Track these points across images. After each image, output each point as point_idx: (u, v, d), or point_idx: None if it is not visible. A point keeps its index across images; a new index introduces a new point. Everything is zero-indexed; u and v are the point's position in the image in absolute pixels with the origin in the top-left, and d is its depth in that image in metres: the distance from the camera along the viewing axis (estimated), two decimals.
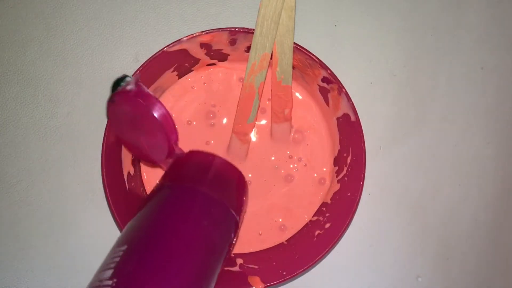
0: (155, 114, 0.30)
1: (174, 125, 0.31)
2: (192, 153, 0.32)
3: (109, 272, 0.23)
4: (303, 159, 0.38)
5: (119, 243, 0.25)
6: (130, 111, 0.31)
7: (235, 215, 0.30)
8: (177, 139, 0.31)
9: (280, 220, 0.37)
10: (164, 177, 0.31)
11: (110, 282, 0.22)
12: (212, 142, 0.38)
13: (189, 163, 0.31)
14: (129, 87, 0.30)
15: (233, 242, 0.30)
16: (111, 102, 0.31)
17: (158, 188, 0.30)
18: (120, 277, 0.22)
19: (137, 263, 0.23)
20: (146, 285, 0.22)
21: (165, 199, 0.28)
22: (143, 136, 0.32)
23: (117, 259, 0.23)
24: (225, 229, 0.29)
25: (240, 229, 0.37)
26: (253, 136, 0.38)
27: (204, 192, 0.29)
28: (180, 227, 0.26)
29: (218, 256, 0.28)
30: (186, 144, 0.37)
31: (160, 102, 0.30)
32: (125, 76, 0.31)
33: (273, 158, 0.38)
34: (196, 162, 0.31)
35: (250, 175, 0.38)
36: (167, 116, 0.30)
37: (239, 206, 0.31)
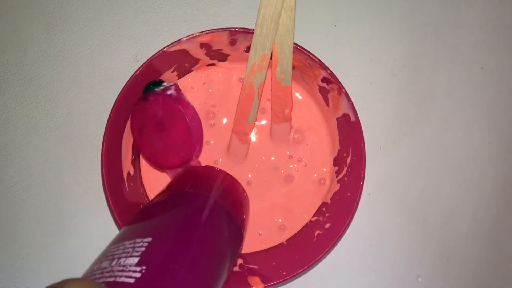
0: (190, 123, 0.31)
1: (202, 137, 0.32)
2: (208, 168, 0.34)
3: (134, 260, 0.23)
4: (303, 159, 0.38)
5: (139, 234, 0.26)
6: (161, 114, 0.32)
7: (242, 231, 0.31)
8: (200, 151, 0.32)
9: (280, 220, 0.37)
10: (185, 183, 0.32)
11: (138, 269, 0.22)
12: (212, 142, 0.38)
13: (208, 177, 0.33)
14: (169, 92, 0.31)
15: (238, 255, 0.32)
16: (143, 100, 0.32)
17: (179, 193, 0.31)
18: (149, 266, 0.23)
19: (167, 256, 0.24)
20: (177, 277, 0.23)
21: (192, 204, 0.29)
22: (164, 140, 0.32)
23: (143, 249, 0.24)
24: (237, 242, 0.31)
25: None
26: (253, 136, 0.38)
27: (224, 206, 0.30)
28: (207, 232, 0.27)
29: (229, 264, 0.29)
30: None
31: (197, 113, 0.31)
32: (161, 81, 0.32)
33: (273, 158, 0.38)
34: (214, 177, 0.33)
35: (250, 175, 0.38)
36: (199, 127, 0.32)
37: (245, 222, 0.32)
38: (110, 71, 0.39)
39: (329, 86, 0.35)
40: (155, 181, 0.37)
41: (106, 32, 0.40)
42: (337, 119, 0.37)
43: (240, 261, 0.36)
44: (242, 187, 0.34)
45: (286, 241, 0.37)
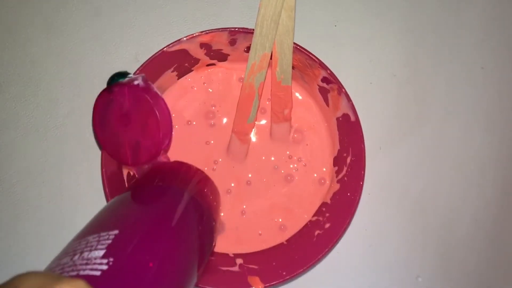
0: (159, 115, 0.29)
1: (171, 130, 0.31)
2: (178, 163, 0.33)
3: (99, 252, 0.22)
4: (303, 159, 0.38)
5: (105, 227, 0.25)
6: (128, 106, 0.30)
7: (214, 223, 0.31)
8: (168, 145, 0.31)
9: (280, 220, 0.37)
10: (153, 177, 0.31)
11: (104, 261, 0.21)
12: (212, 142, 0.38)
13: (178, 170, 0.32)
14: (136, 82, 0.30)
15: (213, 248, 0.32)
16: (107, 91, 0.30)
17: (148, 186, 0.30)
18: (117, 258, 0.22)
19: (137, 246, 0.23)
20: (148, 267, 0.23)
21: (162, 196, 0.29)
22: (129, 134, 0.31)
23: (109, 241, 0.23)
24: (208, 233, 0.30)
25: (237, 231, 0.37)
26: (253, 136, 0.38)
27: (196, 199, 0.30)
28: (177, 223, 0.27)
29: (201, 254, 0.28)
30: (186, 144, 0.37)
31: (166, 103, 0.30)
32: (126, 73, 0.30)
33: (273, 158, 0.38)
34: (183, 171, 0.32)
35: (250, 175, 0.38)
36: (168, 119, 0.30)
37: (216, 215, 0.32)
38: (110, 71, 0.39)
39: (329, 86, 0.35)
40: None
41: (106, 32, 0.40)
42: (337, 119, 0.37)
43: (240, 261, 0.36)
44: (212, 181, 0.34)
45: (286, 241, 0.37)
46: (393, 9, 0.41)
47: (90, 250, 0.22)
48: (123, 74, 0.30)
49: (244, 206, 0.37)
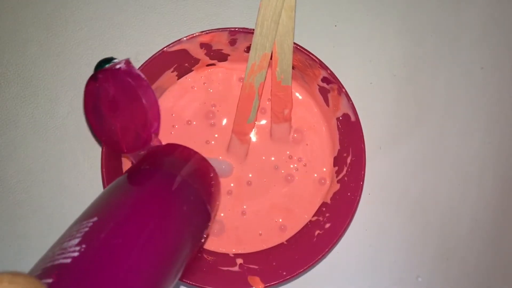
0: (143, 96, 0.28)
1: (159, 112, 0.29)
2: (170, 145, 0.31)
3: (75, 241, 0.22)
4: (303, 159, 0.38)
5: (88, 215, 0.24)
6: (113, 91, 0.29)
7: (210, 211, 0.30)
8: (158, 128, 0.30)
9: (280, 220, 0.37)
10: (140, 162, 0.30)
11: (77, 248, 0.21)
12: (213, 142, 0.38)
13: (168, 153, 0.31)
14: (118, 66, 0.29)
15: (205, 236, 0.30)
16: (93, 79, 0.29)
17: (133, 171, 0.29)
18: (89, 243, 0.21)
19: (109, 232, 0.23)
20: (120, 252, 0.22)
21: (144, 180, 0.28)
22: (119, 120, 0.30)
23: (86, 229, 0.23)
24: (200, 219, 0.29)
25: (237, 231, 0.37)
26: (253, 136, 0.38)
27: (183, 179, 0.28)
28: (158, 205, 0.26)
29: (190, 244, 0.27)
30: (186, 143, 0.37)
31: (149, 85, 0.29)
32: (112, 58, 0.29)
33: (273, 158, 0.38)
34: (174, 153, 0.31)
35: (250, 175, 0.38)
36: (154, 101, 0.29)
37: (212, 200, 0.30)
38: None
39: (329, 86, 0.35)
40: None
41: (106, 32, 0.40)
42: (337, 119, 0.37)
43: (240, 261, 0.36)
44: (209, 163, 0.32)
45: (286, 241, 0.37)
46: (393, 9, 0.41)
47: (69, 240, 0.22)
48: (108, 60, 0.29)
49: (245, 206, 0.37)
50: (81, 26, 0.40)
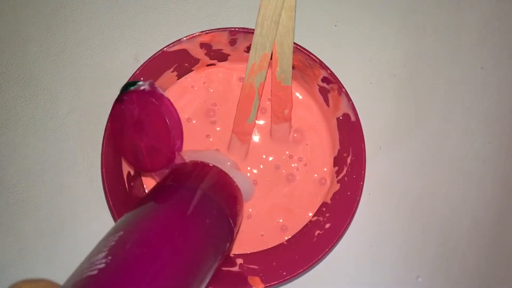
0: (166, 116, 0.30)
1: (181, 130, 0.31)
2: (193, 163, 0.32)
3: (102, 254, 0.23)
4: (304, 158, 0.38)
5: (114, 231, 0.25)
6: (138, 112, 0.30)
7: (232, 224, 0.30)
8: (181, 146, 0.31)
9: (281, 221, 0.37)
10: (164, 179, 0.31)
11: (103, 260, 0.22)
12: (211, 139, 0.38)
13: (190, 169, 0.32)
14: (142, 87, 0.30)
15: (227, 249, 0.30)
16: (118, 102, 0.30)
17: (158, 187, 0.30)
18: (114, 255, 0.22)
19: (134, 243, 0.23)
20: (141, 259, 0.22)
21: (168, 195, 0.29)
22: (144, 140, 0.31)
23: (113, 243, 0.23)
24: (223, 233, 0.29)
25: (240, 233, 0.37)
26: (253, 136, 0.38)
27: (206, 193, 0.29)
28: (182, 219, 0.27)
29: (213, 257, 0.28)
30: (186, 141, 0.37)
31: (173, 105, 0.30)
32: (136, 81, 0.30)
33: (272, 159, 0.38)
34: (197, 169, 0.32)
35: (249, 174, 0.38)
36: (177, 120, 0.30)
37: (234, 215, 0.31)
38: (110, 71, 0.39)
39: (329, 86, 0.35)
40: (155, 181, 0.37)
41: (106, 32, 0.40)
42: (337, 119, 0.37)
43: (240, 261, 0.36)
44: (232, 179, 0.33)
45: (286, 241, 0.37)
46: (393, 9, 0.41)
47: (97, 254, 0.23)
48: (133, 83, 0.31)
49: (250, 210, 0.37)
50: (81, 26, 0.40)
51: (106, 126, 0.33)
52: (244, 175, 0.37)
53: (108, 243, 0.24)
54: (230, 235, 0.30)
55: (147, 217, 0.26)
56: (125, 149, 0.32)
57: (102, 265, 0.21)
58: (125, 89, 0.30)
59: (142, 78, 0.32)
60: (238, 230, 0.35)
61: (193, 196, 0.29)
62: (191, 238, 0.26)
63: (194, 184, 0.30)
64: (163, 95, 0.30)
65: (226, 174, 0.33)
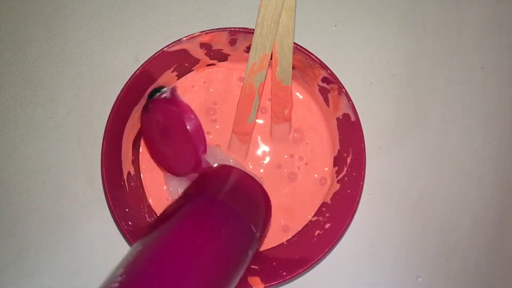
0: (186, 122, 0.30)
1: (204, 135, 0.31)
2: (221, 167, 0.32)
3: (120, 271, 0.23)
4: (304, 158, 0.38)
5: (137, 245, 0.25)
6: (163, 120, 0.31)
7: (254, 230, 0.29)
8: (205, 150, 0.31)
9: (282, 222, 0.37)
10: (189, 187, 0.31)
11: (119, 278, 0.22)
12: (211, 136, 0.38)
13: (215, 175, 0.31)
14: (164, 95, 0.30)
15: (249, 258, 0.29)
16: (145, 110, 0.31)
17: (181, 197, 0.30)
18: (129, 272, 0.23)
19: (148, 261, 0.23)
20: (154, 280, 0.23)
21: (183, 205, 0.28)
22: (171, 147, 0.31)
23: (131, 258, 0.24)
24: (241, 242, 0.28)
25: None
26: (253, 136, 0.38)
27: (223, 201, 0.28)
28: (195, 231, 0.26)
29: (232, 267, 0.27)
30: None
31: (192, 111, 0.30)
32: (162, 87, 0.31)
33: (269, 159, 0.38)
34: (221, 175, 0.31)
35: (249, 168, 0.38)
36: (197, 125, 0.31)
37: (259, 222, 0.30)
38: (110, 71, 0.39)
39: (329, 86, 0.35)
40: (156, 181, 0.37)
41: (106, 32, 0.40)
42: (337, 119, 0.37)
43: None
44: (261, 186, 0.32)
45: (286, 241, 0.37)
46: (393, 9, 0.41)
47: (117, 269, 0.23)
48: (158, 89, 0.31)
49: None
50: (81, 26, 0.40)
51: (106, 126, 0.33)
52: (253, 175, 0.37)
53: (127, 258, 0.24)
54: (251, 241, 0.29)
55: (162, 233, 0.26)
56: (157, 156, 0.33)
57: (116, 284, 0.22)
58: (151, 96, 0.31)
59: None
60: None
61: (211, 208, 0.28)
62: (207, 256, 0.26)
63: (214, 193, 0.29)
64: (182, 101, 0.31)
65: (251, 177, 0.32)
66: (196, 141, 0.30)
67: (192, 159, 0.31)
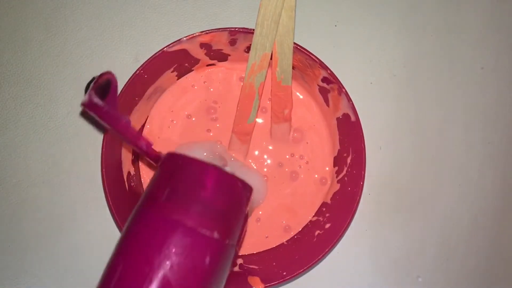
0: (109, 128, 0.28)
1: (135, 133, 0.28)
2: (175, 157, 0.27)
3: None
4: (305, 157, 0.38)
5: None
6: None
7: (233, 245, 0.26)
8: (148, 144, 0.28)
9: (283, 222, 0.37)
10: (147, 187, 0.28)
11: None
12: (211, 134, 0.38)
13: (178, 175, 0.26)
14: (83, 98, 0.27)
15: (222, 266, 0.26)
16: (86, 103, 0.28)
17: (143, 207, 0.27)
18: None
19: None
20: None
21: (144, 228, 0.26)
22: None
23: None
24: (223, 263, 0.25)
25: (247, 237, 0.37)
26: (253, 136, 0.38)
27: (191, 227, 0.24)
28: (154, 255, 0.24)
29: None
30: (185, 135, 0.37)
31: (108, 112, 0.27)
32: (93, 79, 0.28)
33: (269, 161, 0.38)
34: (186, 175, 0.26)
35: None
36: (125, 129, 0.27)
37: (230, 227, 0.26)
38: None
39: (329, 86, 0.35)
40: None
41: (106, 32, 0.40)
42: (337, 119, 0.37)
43: (240, 261, 0.36)
44: (234, 177, 0.26)
45: (286, 241, 0.37)
46: (393, 9, 0.41)
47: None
48: (91, 81, 0.29)
49: (260, 212, 0.37)
50: (81, 26, 0.40)
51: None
52: (256, 172, 0.37)
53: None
54: (233, 262, 0.26)
55: (121, 256, 0.27)
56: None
57: None
58: (87, 88, 0.28)
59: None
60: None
61: (181, 239, 0.24)
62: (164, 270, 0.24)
63: (183, 217, 0.25)
64: (97, 104, 0.27)
65: (226, 173, 0.26)
66: (130, 140, 0.28)
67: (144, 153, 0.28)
